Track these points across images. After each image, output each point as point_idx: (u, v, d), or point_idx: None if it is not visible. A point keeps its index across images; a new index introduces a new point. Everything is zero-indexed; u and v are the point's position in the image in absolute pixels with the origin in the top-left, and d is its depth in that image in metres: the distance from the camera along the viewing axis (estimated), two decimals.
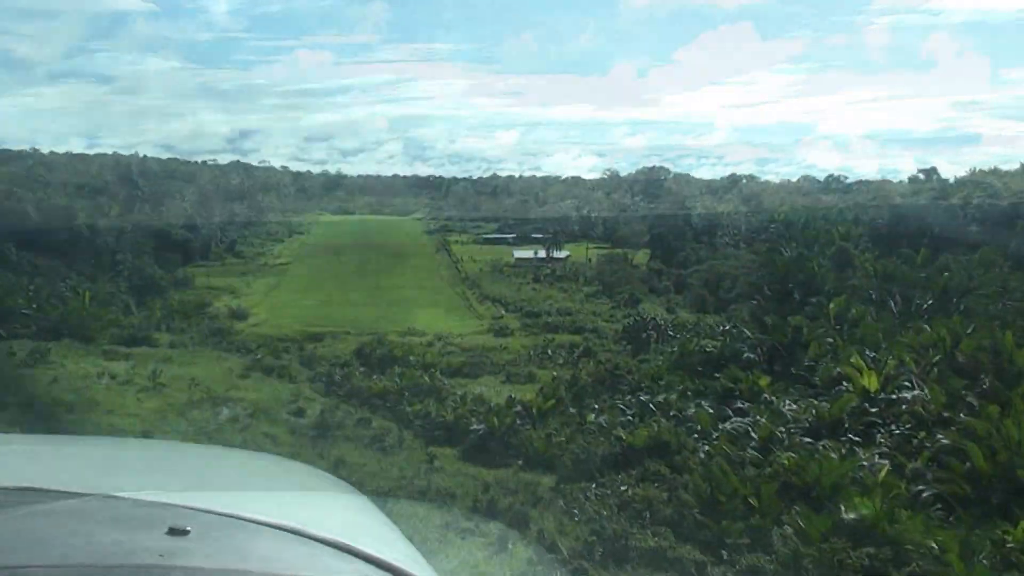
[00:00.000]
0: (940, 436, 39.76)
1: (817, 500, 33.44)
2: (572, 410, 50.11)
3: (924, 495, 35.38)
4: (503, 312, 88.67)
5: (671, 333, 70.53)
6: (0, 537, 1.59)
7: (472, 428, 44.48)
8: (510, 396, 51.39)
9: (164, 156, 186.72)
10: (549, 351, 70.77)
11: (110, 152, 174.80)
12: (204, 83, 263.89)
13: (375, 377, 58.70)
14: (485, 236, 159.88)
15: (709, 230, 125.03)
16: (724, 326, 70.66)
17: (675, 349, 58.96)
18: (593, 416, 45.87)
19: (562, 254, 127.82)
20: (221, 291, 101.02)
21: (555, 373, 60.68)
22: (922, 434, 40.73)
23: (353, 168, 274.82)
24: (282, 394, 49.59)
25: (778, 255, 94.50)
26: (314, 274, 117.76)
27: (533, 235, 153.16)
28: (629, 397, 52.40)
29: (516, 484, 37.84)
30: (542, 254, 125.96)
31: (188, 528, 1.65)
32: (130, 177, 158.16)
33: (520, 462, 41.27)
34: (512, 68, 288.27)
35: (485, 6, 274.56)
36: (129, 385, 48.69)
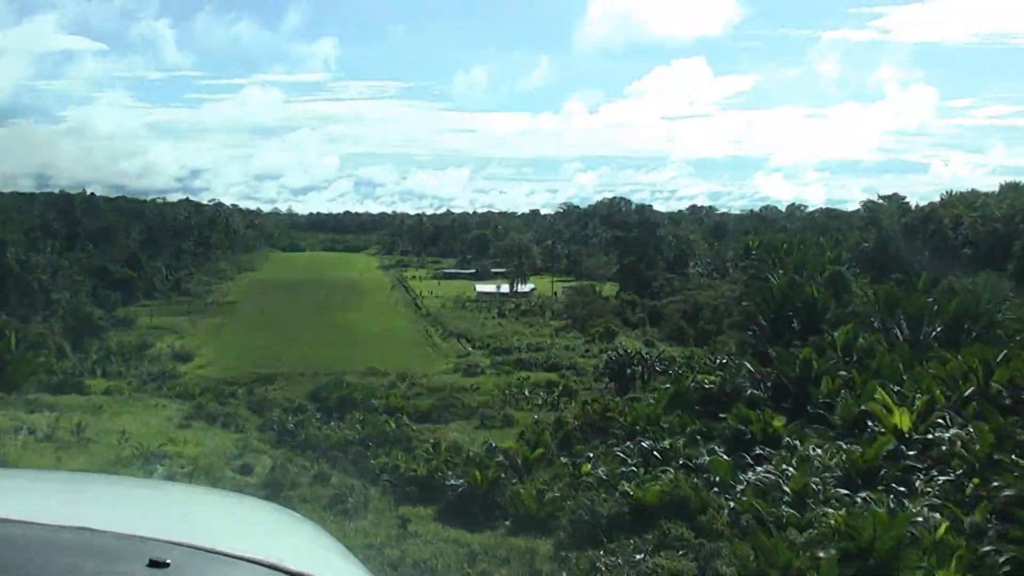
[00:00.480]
0: (997, 482, 34.14)
1: (877, 568, 27.50)
2: (563, 459, 43.78)
3: (996, 559, 29.58)
4: (470, 349, 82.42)
5: (657, 368, 64.72)
6: None
7: (449, 483, 37.71)
8: (489, 444, 45.02)
9: (113, 195, 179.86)
10: (525, 391, 64.57)
11: (57, 191, 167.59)
12: (154, 121, 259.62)
13: (333, 424, 52.02)
14: (444, 271, 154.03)
15: (680, 260, 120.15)
16: (716, 359, 65.30)
17: (667, 386, 52.95)
18: (589, 466, 39.46)
19: (527, 287, 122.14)
20: (165, 331, 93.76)
21: (536, 416, 54.45)
22: (974, 481, 35.02)
23: (304, 207, 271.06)
24: (227, 446, 42.63)
25: (763, 282, 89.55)
26: (265, 312, 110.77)
27: (494, 269, 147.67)
28: (628, 443, 46.36)
29: (507, 551, 31.32)
30: (505, 288, 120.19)
31: (168, 560, 1.61)
32: (73, 214, 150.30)
33: (509, 523, 34.64)
34: (464, 106, 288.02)
35: (436, 45, 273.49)
36: (49, 441, 41.45)
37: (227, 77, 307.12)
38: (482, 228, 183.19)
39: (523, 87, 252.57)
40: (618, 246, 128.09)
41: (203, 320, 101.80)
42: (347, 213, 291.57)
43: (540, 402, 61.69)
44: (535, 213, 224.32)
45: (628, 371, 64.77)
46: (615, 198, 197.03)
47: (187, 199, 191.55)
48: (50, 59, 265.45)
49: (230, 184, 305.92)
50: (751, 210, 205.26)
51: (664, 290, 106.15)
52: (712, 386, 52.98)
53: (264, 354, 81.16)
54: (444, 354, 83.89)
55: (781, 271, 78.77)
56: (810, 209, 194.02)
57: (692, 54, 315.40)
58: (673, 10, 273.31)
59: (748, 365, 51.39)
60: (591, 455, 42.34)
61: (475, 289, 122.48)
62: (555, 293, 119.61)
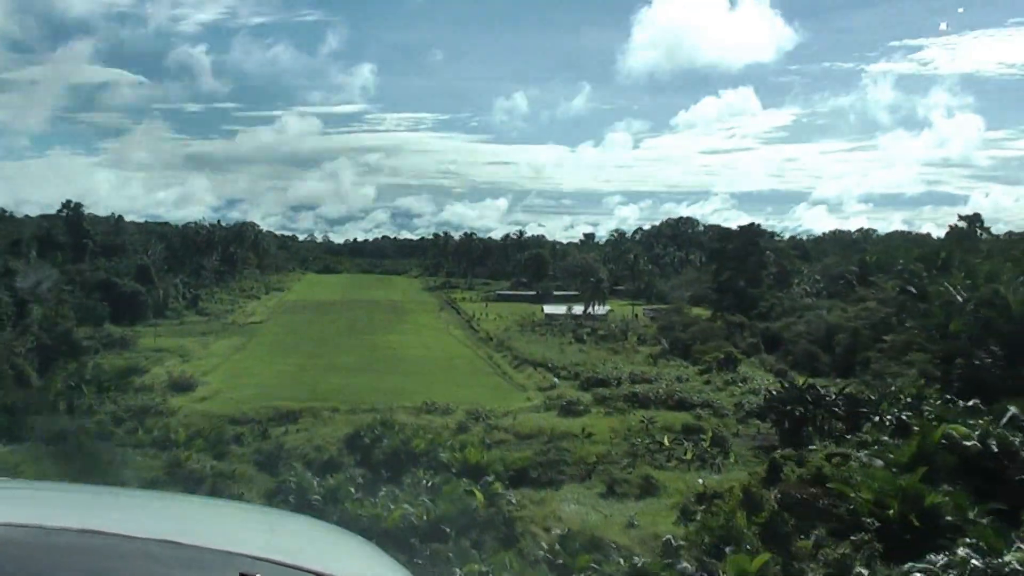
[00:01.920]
0: None
1: None
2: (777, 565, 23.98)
3: None
4: (555, 380, 62.18)
5: (838, 409, 44.36)
6: (68, 574, 1.61)
7: None
8: (668, 540, 24.87)
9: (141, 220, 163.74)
10: (655, 437, 44.45)
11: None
12: (191, 153, 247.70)
13: (385, 491, 32.32)
14: (499, 293, 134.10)
15: (781, 279, 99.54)
16: (903, 395, 45.31)
17: (912, 442, 32.71)
18: None
19: (602, 310, 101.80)
20: (168, 354, 74.15)
21: (694, 478, 34.31)
22: None
23: (340, 237, 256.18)
24: None
25: (915, 299, 69.42)
26: (293, 333, 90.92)
27: (556, 292, 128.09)
28: (863, 535, 26.68)
29: None
30: (577, 310, 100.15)
31: (257, 575, 1.68)
32: (83, 229, 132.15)
33: None
34: (502, 137, 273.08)
35: (474, 76, 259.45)
36: None
37: (264, 109, 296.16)
38: (530, 252, 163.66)
39: (563, 117, 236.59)
40: (711, 262, 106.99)
41: (218, 342, 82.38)
42: (385, 238, 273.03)
43: (686, 455, 41.40)
44: (590, 237, 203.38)
45: (796, 412, 44.41)
46: (681, 218, 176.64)
47: (218, 223, 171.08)
48: (87, 91, 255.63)
49: (267, 214, 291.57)
50: (811, 234, 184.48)
51: (774, 311, 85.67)
52: (973, 443, 33.07)
53: (288, 383, 61.50)
54: (520, 386, 63.75)
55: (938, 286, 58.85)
56: (880, 233, 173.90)
57: (740, 82, 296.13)
58: (721, 37, 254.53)
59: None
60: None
61: (542, 311, 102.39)
62: (636, 315, 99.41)
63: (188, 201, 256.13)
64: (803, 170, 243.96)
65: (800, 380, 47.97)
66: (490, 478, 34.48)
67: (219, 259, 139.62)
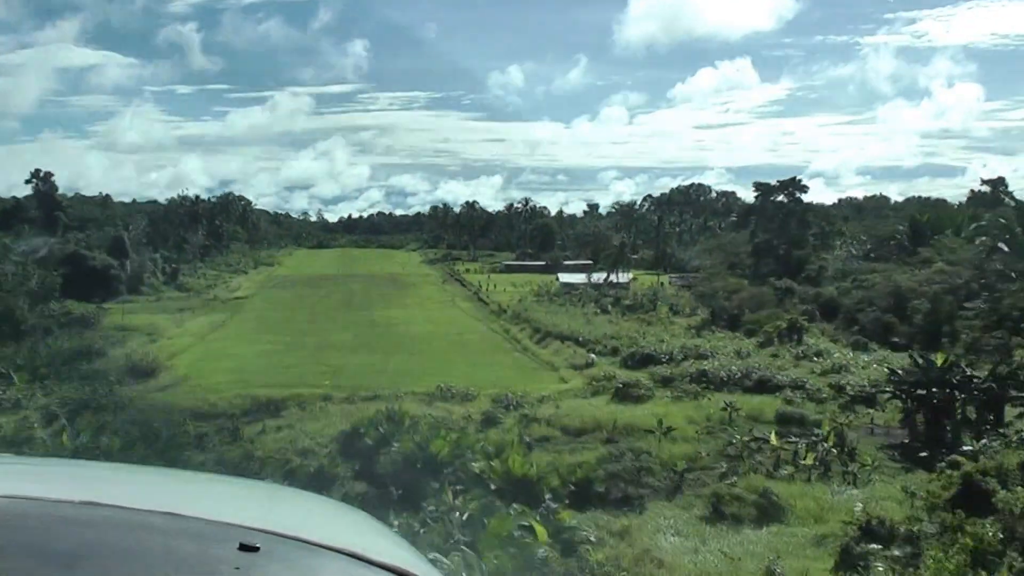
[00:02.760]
0: None
1: None
2: None
3: None
4: (591, 356, 51.01)
5: (979, 394, 33.43)
6: (70, 546, 1.58)
7: None
8: None
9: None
10: (750, 430, 33.42)
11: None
12: (184, 135, 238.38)
13: (398, 524, 21.41)
14: (506, 263, 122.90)
15: (824, 242, 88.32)
16: None
17: None
18: None
19: (624, 278, 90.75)
20: (136, 332, 62.94)
21: (857, 502, 23.36)
22: None
23: (334, 216, 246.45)
24: None
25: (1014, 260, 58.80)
26: (280, 309, 79.64)
27: (568, 262, 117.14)
28: None
29: None
30: (596, 279, 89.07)
31: (258, 545, 1.65)
32: (57, 204, 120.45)
33: None
34: (496, 115, 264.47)
35: (467, 54, 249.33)
36: None
37: (256, 90, 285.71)
38: (531, 224, 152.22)
39: (559, 91, 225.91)
40: (746, 223, 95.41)
41: (195, 319, 71.05)
42: (380, 214, 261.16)
43: (805, 459, 30.34)
44: (593, 208, 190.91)
45: (934, 399, 33.41)
46: (693, 184, 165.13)
47: (208, 199, 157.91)
48: (79, 74, 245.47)
49: (260, 195, 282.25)
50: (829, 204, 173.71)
51: (823, 274, 74.67)
52: None
53: (271, 366, 50.32)
54: (547, 364, 52.61)
55: None
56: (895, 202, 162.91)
57: (737, 53, 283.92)
58: (719, 7, 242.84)
59: None
60: None
61: (557, 280, 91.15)
62: (661, 284, 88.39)
63: (181, 182, 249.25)
64: (798, 143, 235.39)
65: (939, 359, 36.15)
66: (549, 500, 23.52)
67: (205, 233, 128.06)
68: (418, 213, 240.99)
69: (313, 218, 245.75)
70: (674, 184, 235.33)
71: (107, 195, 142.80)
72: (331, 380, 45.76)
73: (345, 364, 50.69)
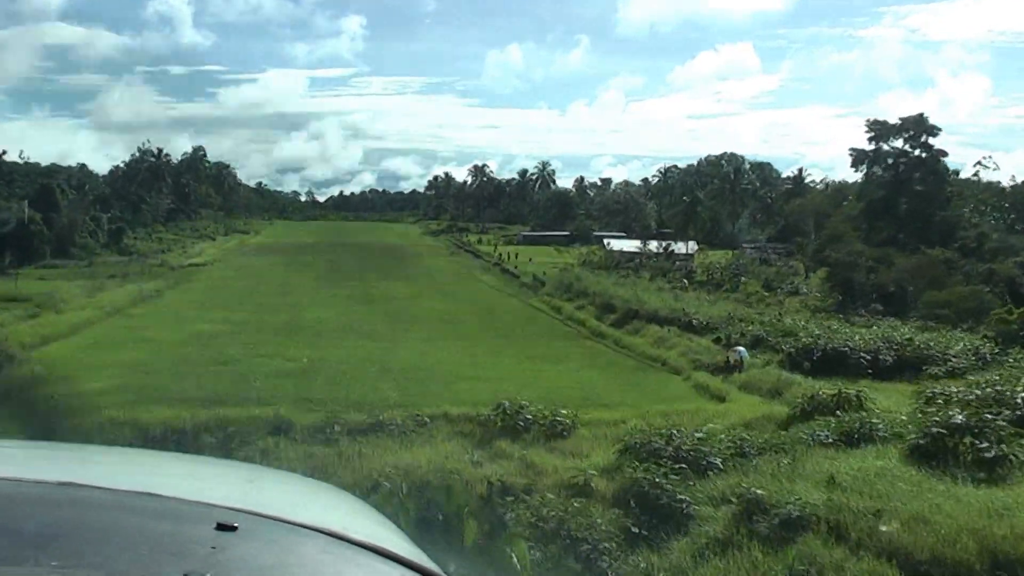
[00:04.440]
0: None
1: None
2: None
3: None
4: (739, 352, 30.06)
5: None
6: (46, 527, 1.55)
7: None
8: None
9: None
10: None
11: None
12: (176, 115, 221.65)
13: None
14: (524, 234, 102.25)
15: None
16: None
17: None
18: None
19: (687, 248, 70.17)
20: (26, 305, 42.03)
21: None
22: None
23: (325, 197, 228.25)
24: None
25: None
26: (244, 278, 58.61)
27: (598, 233, 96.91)
28: None
29: None
30: (652, 247, 68.61)
31: (236, 524, 1.63)
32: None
33: None
34: (491, 101, 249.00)
35: (462, 38, 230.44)
36: None
37: (249, 72, 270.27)
38: (543, 193, 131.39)
39: (558, 74, 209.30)
40: (871, 176, 73.63)
41: (122, 287, 50.13)
42: (373, 191, 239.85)
43: None
44: (606, 183, 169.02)
45: None
46: (725, 154, 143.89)
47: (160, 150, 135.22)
48: (67, 51, 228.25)
49: (251, 176, 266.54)
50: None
51: (984, 246, 54.37)
52: None
53: (201, 359, 29.72)
54: (655, 360, 32.02)
55: None
56: None
57: (739, 37, 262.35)
58: None
59: None
60: None
61: (605, 247, 70.55)
62: (733, 254, 68.07)
63: None
64: (791, 135, 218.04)
65: None
66: None
67: (169, 193, 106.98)
68: (413, 191, 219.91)
69: (303, 198, 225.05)
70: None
71: (83, 164, 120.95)
72: (296, 387, 25.05)
73: (324, 357, 29.98)
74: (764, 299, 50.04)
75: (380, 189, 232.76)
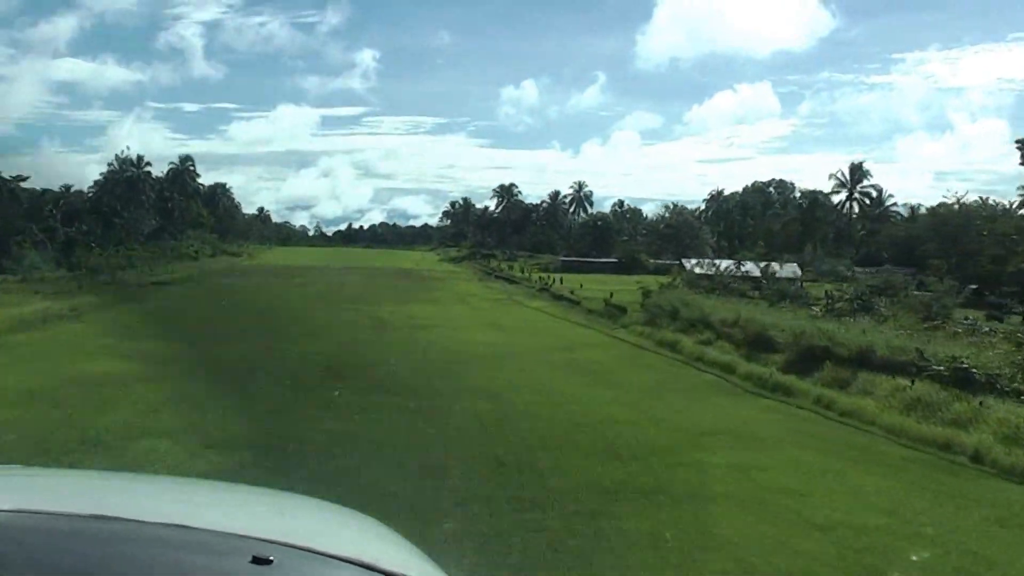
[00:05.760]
0: None
1: None
2: None
3: None
4: None
5: None
6: (80, 562, 1.52)
7: None
8: None
9: None
10: None
11: None
12: (187, 151, 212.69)
13: None
14: (564, 260, 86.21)
15: None
16: None
17: None
18: None
19: (788, 271, 54.14)
20: None
21: None
22: None
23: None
24: None
25: None
26: (204, 300, 43.06)
27: (653, 260, 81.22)
28: None
29: None
30: (748, 269, 52.58)
31: (271, 558, 1.59)
32: None
33: None
34: (503, 142, 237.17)
35: (475, 80, 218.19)
36: None
37: (261, 110, 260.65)
38: (557, 222, 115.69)
39: (572, 111, 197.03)
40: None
41: (34, 304, 34.36)
42: (383, 224, 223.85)
43: None
44: (636, 213, 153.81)
45: None
46: (773, 180, 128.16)
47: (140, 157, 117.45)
48: (80, 87, 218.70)
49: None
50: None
51: None
52: None
53: (68, 428, 14.07)
54: (950, 448, 16.09)
55: None
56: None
57: (765, 73, 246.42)
58: (747, 22, 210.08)
59: None
60: None
61: (679, 272, 54.45)
62: (846, 280, 52.08)
63: None
64: (802, 181, 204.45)
65: None
66: None
67: (151, 208, 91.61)
68: (425, 224, 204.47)
69: (311, 232, 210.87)
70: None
71: (69, 185, 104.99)
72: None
73: (289, 434, 13.98)
74: (944, 330, 33.84)
75: (391, 223, 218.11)
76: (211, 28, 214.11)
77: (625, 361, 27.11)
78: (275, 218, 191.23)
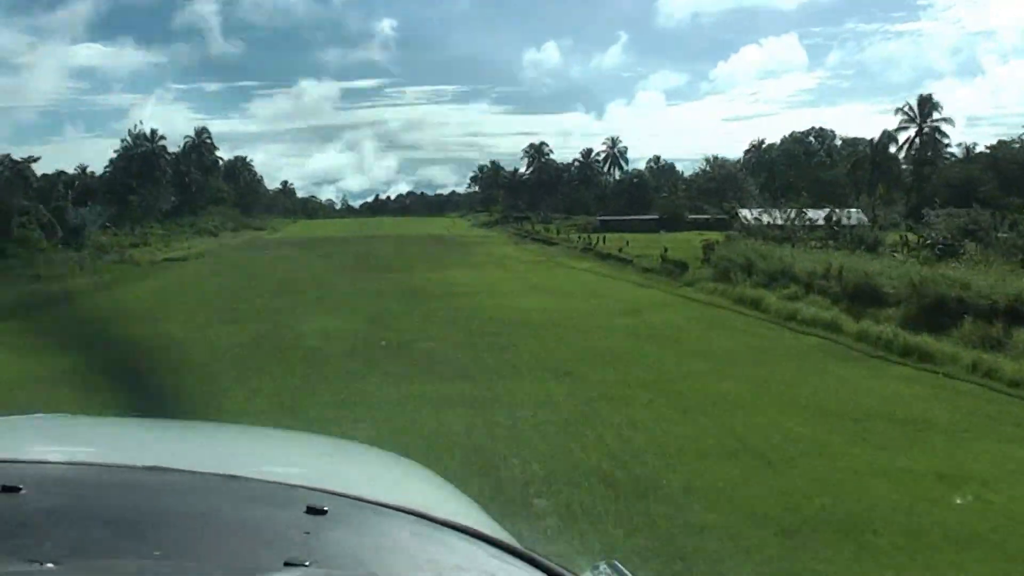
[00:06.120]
0: None
1: None
2: None
3: None
4: None
5: None
6: (140, 514, 1.49)
7: None
8: None
9: None
10: None
11: None
12: (211, 130, 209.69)
13: None
14: (602, 219, 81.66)
15: None
16: None
17: None
18: None
19: (849, 218, 49.41)
20: None
21: None
22: None
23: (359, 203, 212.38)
24: None
25: None
26: (226, 275, 38.92)
27: (693, 216, 76.53)
28: None
29: None
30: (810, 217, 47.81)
31: (326, 508, 1.56)
32: None
33: None
34: (527, 108, 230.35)
35: (499, 42, 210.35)
36: None
37: (281, 85, 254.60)
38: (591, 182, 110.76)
39: (595, 73, 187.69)
40: None
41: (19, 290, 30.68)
42: (411, 194, 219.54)
43: None
44: (669, 167, 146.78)
45: None
46: (813, 129, 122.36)
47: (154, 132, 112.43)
48: (100, 72, 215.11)
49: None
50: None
51: None
52: None
53: None
54: None
55: None
56: None
57: (791, 24, 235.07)
58: None
59: None
60: None
61: (743, 219, 49.90)
62: (910, 229, 47.41)
63: None
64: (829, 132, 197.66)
65: None
66: None
67: (170, 184, 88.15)
68: (453, 192, 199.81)
69: (338, 206, 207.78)
70: None
71: (85, 166, 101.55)
72: None
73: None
74: None
75: (418, 192, 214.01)
76: (228, 4, 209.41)
77: (704, 324, 22.83)
78: (300, 193, 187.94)
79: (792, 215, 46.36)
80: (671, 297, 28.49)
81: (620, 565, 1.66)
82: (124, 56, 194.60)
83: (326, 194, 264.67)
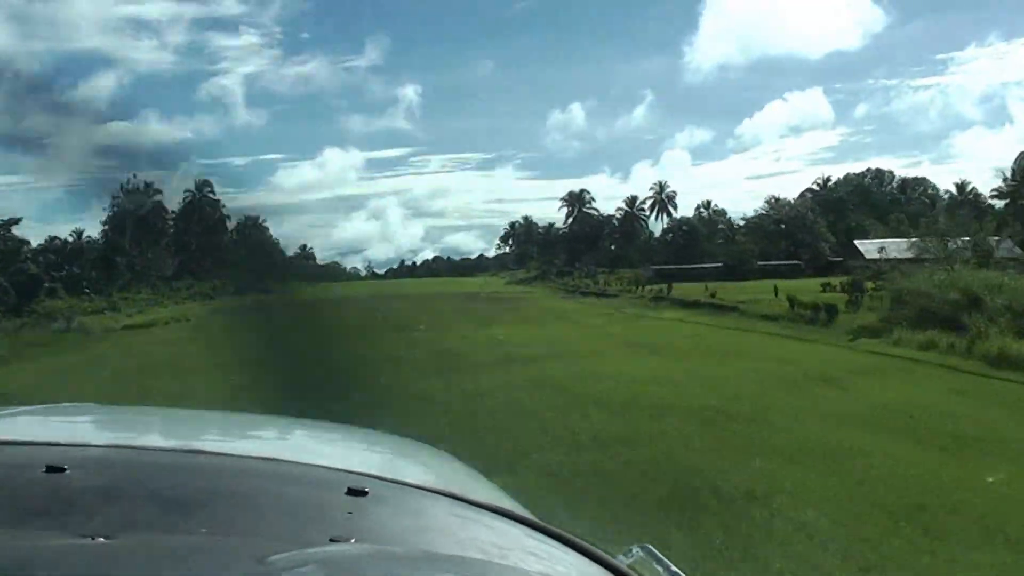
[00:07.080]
0: None
1: None
2: None
3: None
4: None
5: None
6: (185, 493, 1.51)
7: None
8: None
9: None
10: None
11: None
12: (237, 205, 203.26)
13: None
14: (656, 268, 71.33)
15: None
16: None
17: None
18: None
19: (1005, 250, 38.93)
20: None
21: None
22: None
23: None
24: None
25: None
26: (195, 343, 28.98)
27: (764, 263, 66.47)
28: None
29: None
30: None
31: (366, 489, 1.58)
32: None
33: None
34: (550, 173, 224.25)
35: (520, 111, 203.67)
36: None
37: (308, 156, 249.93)
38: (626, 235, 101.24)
39: (620, 134, 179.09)
40: None
41: None
42: (437, 259, 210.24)
43: None
44: (721, 211, 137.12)
45: None
46: (869, 170, 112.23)
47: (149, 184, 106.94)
48: (125, 149, 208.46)
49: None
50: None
51: None
52: None
53: None
54: None
55: None
56: None
57: (817, 77, 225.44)
58: (796, 25, 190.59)
59: None
60: None
61: (866, 255, 39.54)
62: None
63: None
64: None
65: None
66: None
67: (170, 244, 79.36)
68: (480, 255, 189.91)
69: (363, 273, 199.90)
70: None
71: (81, 231, 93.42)
72: None
73: None
74: None
75: (444, 257, 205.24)
76: (252, 79, 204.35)
77: (980, 402, 12.25)
78: (321, 261, 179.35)
79: (936, 244, 35.79)
80: (860, 356, 17.93)
81: (653, 548, 1.65)
82: (147, 132, 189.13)
83: (351, 263, 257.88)
